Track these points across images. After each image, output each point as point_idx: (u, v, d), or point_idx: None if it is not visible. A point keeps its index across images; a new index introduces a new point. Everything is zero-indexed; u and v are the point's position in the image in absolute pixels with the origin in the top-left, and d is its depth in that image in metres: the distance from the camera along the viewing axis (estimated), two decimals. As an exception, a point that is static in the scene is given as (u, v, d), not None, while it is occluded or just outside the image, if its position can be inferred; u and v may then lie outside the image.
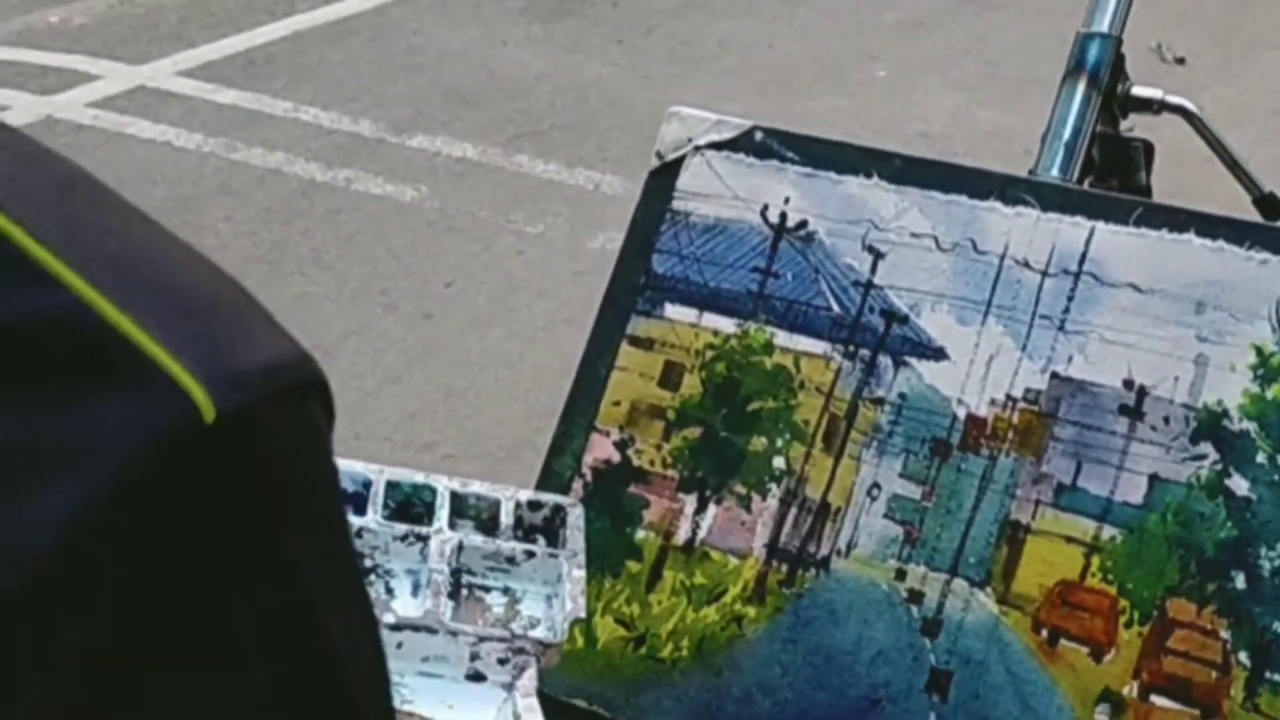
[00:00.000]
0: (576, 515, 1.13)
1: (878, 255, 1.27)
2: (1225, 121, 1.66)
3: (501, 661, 1.06)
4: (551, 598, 1.10)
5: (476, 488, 1.15)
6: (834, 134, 1.37)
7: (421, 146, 5.15)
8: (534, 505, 1.14)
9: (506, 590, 1.10)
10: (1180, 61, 5.33)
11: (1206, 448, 1.15)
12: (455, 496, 1.12)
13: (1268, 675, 1.14)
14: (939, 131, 5.06)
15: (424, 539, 1.08)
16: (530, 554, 1.10)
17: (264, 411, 0.49)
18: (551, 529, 1.14)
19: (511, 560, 1.10)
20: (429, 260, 4.54)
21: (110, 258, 0.49)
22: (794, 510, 1.25)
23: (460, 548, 1.09)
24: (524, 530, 1.13)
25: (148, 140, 5.09)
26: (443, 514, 1.10)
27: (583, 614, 1.08)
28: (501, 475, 3.62)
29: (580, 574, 1.10)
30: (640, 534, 1.29)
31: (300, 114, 5.34)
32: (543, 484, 1.32)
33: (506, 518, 1.12)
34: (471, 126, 5.25)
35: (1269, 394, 1.13)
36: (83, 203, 0.51)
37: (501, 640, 1.06)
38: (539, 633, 1.07)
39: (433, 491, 1.11)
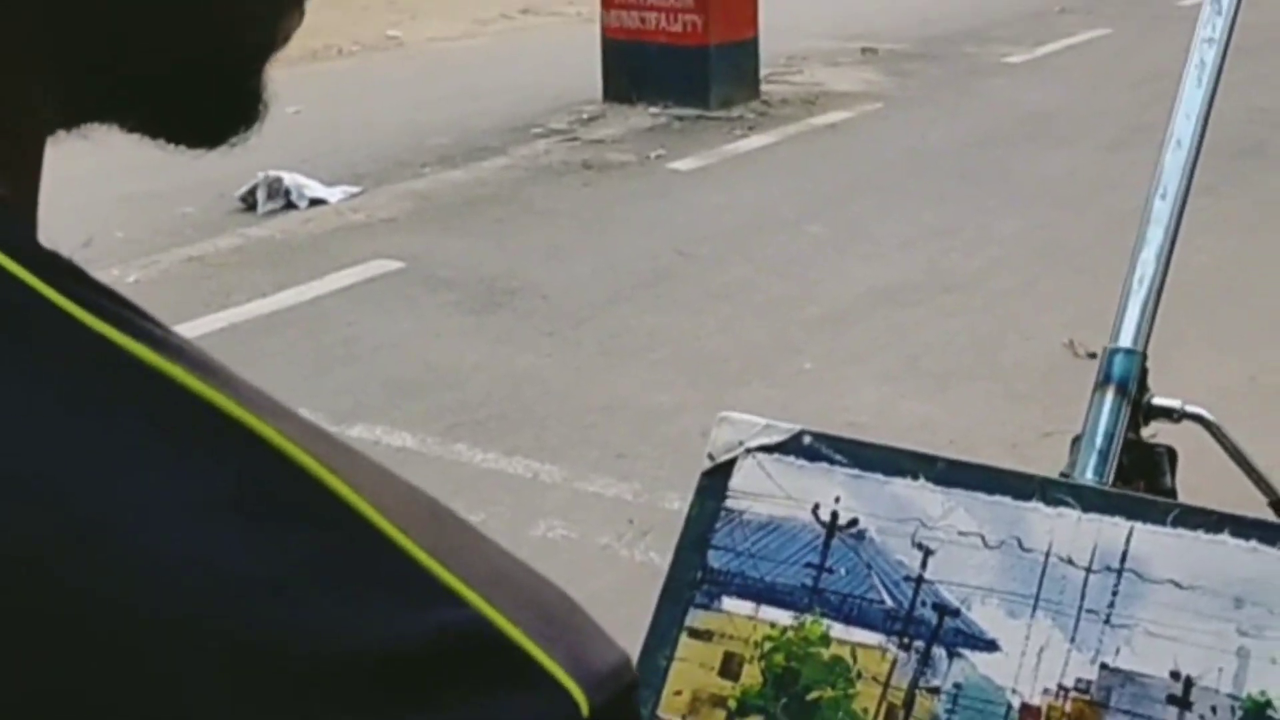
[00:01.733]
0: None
1: (927, 552, 1.36)
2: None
3: None
4: None
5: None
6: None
7: (361, 436, 5.22)
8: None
9: None
10: (1092, 356, 5.54)
11: (1253, 736, 1.23)
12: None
13: None
14: (866, 423, 5.21)
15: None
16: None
17: (618, 706, 0.56)
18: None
19: None
20: (372, 548, 4.58)
21: (487, 575, 0.56)
22: (857, 796, 1.31)
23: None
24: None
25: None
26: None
27: None
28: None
29: None
30: (705, 822, 1.34)
31: (239, 403, 5.41)
32: (605, 773, 1.37)
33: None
34: (410, 416, 5.34)
35: (1309, 684, 1.23)
36: (450, 525, 0.58)
37: None
38: None
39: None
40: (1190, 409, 1.51)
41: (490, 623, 0.54)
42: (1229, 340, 5.97)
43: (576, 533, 4.62)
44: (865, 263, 7.04)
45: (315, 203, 7.86)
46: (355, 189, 8.16)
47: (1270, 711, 1.23)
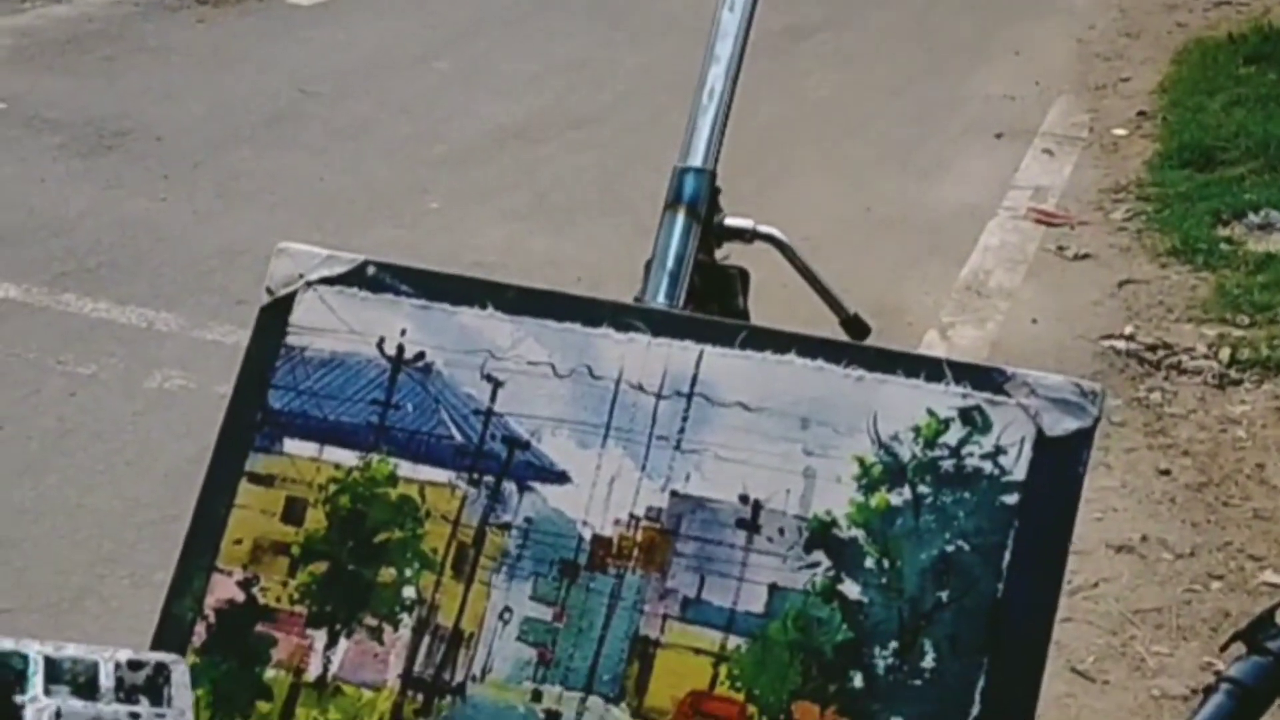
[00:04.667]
0: (181, 672, 1.10)
1: (497, 384, 1.30)
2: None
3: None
4: (169, 755, 1.06)
5: (71, 651, 1.09)
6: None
7: (-42, 287, 4.92)
8: (135, 665, 1.09)
9: (120, 751, 1.06)
10: (717, 191, 5.57)
11: (819, 556, 1.21)
12: (50, 662, 1.07)
13: (883, 767, 1.20)
14: (494, 261, 5.16)
15: (19, 709, 1.03)
16: (135, 715, 1.06)
17: None
18: (155, 688, 1.10)
19: (120, 722, 1.06)
20: (-26, 406, 4.33)
21: None
22: (427, 639, 1.25)
23: (59, 715, 1.04)
24: (125, 691, 1.09)
25: None
26: (37, 681, 1.05)
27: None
28: (64, 627, 3.46)
29: (191, 731, 1.07)
30: (269, 673, 1.26)
31: None
32: (162, 629, 1.29)
33: (107, 680, 1.08)
34: (13, 266, 5.05)
35: (872, 502, 1.21)
36: None
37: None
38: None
39: (24, 658, 1.06)
40: (762, 229, 1.48)
41: None
42: (846, 171, 6.10)
43: (195, 382, 4.46)
44: (493, 99, 6.93)
45: (-95, 40, 7.33)
46: (-50, 26, 7.64)
47: (835, 530, 1.22)
